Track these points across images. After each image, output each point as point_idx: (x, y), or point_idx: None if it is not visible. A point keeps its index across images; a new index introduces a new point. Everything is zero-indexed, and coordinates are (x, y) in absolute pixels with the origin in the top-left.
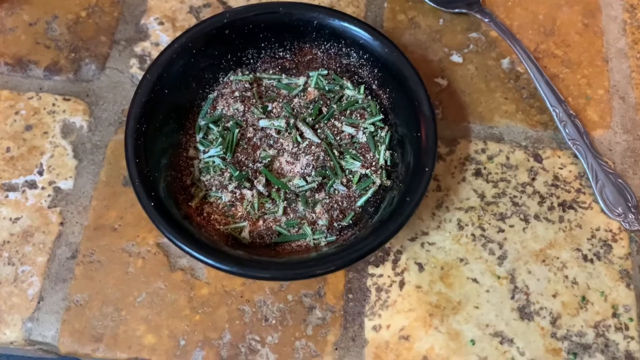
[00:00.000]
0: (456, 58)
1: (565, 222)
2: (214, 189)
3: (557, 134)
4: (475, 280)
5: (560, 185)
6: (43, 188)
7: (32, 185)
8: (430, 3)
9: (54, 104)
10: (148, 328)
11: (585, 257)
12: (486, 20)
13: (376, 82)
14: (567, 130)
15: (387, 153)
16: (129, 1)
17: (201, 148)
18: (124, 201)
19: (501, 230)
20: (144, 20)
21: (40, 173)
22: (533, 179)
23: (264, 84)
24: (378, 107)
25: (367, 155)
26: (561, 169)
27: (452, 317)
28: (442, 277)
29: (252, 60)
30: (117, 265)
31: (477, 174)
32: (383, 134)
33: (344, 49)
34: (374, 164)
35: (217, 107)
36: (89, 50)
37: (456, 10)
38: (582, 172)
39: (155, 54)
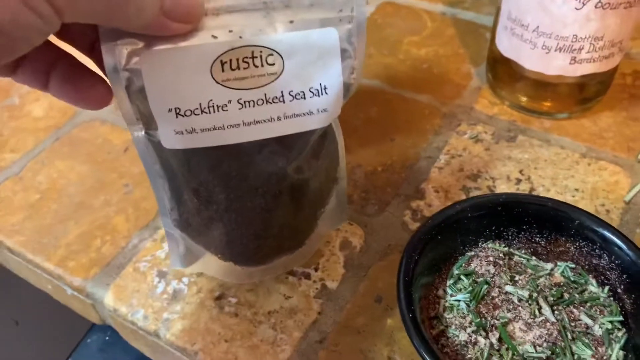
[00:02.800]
0: None
1: None
2: (453, 327)
3: None
4: None
5: None
6: (314, 281)
7: (307, 276)
8: None
9: (341, 226)
10: None
11: None
12: None
13: (622, 287)
14: None
15: (621, 353)
16: (415, 169)
17: (449, 292)
18: (373, 314)
19: None
20: (423, 185)
21: (316, 269)
22: None
23: (514, 259)
24: (619, 309)
25: (599, 348)
26: None
27: None
28: None
29: (510, 237)
30: None
31: None
32: (619, 334)
33: (597, 251)
34: (604, 358)
35: (471, 264)
36: (376, 195)
37: None
38: None
39: (426, 211)
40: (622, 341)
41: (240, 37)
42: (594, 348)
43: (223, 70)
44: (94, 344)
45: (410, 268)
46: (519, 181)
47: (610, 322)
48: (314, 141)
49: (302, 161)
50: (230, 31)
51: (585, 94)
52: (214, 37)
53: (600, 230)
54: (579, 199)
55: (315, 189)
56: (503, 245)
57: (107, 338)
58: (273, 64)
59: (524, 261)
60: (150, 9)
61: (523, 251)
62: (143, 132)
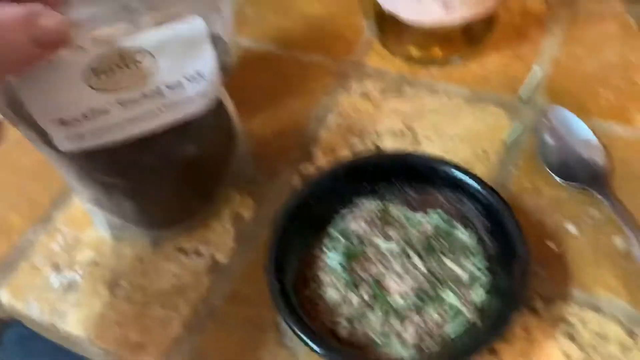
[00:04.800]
0: (571, 228)
1: None
2: (327, 286)
3: None
4: None
5: None
6: (205, 257)
7: (198, 253)
8: (555, 177)
9: (231, 197)
10: None
11: None
12: (605, 201)
13: (486, 232)
14: None
15: (485, 295)
16: (305, 132)
17: (326, 251)
18: (261, 282)
19: None
20: (312, 148)
21: (207, 245)
22: (623, 354)
23: (389, 212)
24: (483, 252)
25: (464, 292)
26: None
27: None
28: None
29: (383, 191)
30: (240, 331)
31: (567, 334)
32: (483, 277)
33: (461, 198)
34: (470, 302)
35: (347, 222)
36: (267, 163)
37: (578, 186)
38: None
39: (314, 174)
40: (487, 285)
41: (108, 43)
42: (460, 293)
43: (97, 77)
44: (13, 336)
45: (281, 236)
46: (403, 134)
47: (476, 266)
48: (203, 118)
49: (194, 138)
50: (96, 39)
51: (471, 35)
52: (81, 47)
53: (464, 178)
54: (460, 145)
55: (212, 159)
56: (377, 200)
57: (25, 331)
58: (143, 63)
59: (398, 213)
60: (18, 43)
61: (396, 203)
62: (41, 140)
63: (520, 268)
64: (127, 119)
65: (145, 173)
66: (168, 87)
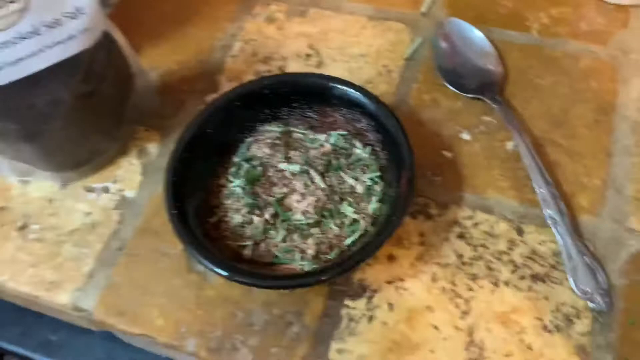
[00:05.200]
0: (465, 136)
1: (533, 291)
2: (231, 211)
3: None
4: (436, 327)
5: (536, 259)
6: (113, 193)
7: (106, 190)
8: (451, 88)
9: (137, 132)
10: (161, 313)
11: (545, 327)
12: (495, 107)
13: (379, 145)
14: (548, 210)
15: (378, 204)
16: (210, 61)
17: (231, 179)
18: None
19: (470, 289)
20: (217, 77)
21: (114, 182)
22: (511, 249)
23: (293, 136)
24: (377, 165)
25: (361, 203)
26: (540, 244)
27: (409, 356)
28: (407, 319)
29: (285, 116)
30: (150, 261)
31: (460, 236)
32: (377, 188)
33: (357, 115)
34: (365, 211)
35: (251, 149)
36: (172, 95)
37: (473, 95)
38: (559, 251)
39: None
40: (380, 194)
41: None
42: (355, 205)
43: None
44: None
45: (178, 168)
46: (308, 57)
47: (371, 178)
48: (92, 55)
49: (86, 77)
50: None
51: None
52: None
53: (355, 95)
54: (364, 64)
55: (109, 96)
56: (280, 125)
57: None
58: (14, 2)
59: (302, 136)
60: None
61: (300, 127)
62: None
63: (406, 176)
64: (7, 62)
65: (39, 116)
66: (46, 25)
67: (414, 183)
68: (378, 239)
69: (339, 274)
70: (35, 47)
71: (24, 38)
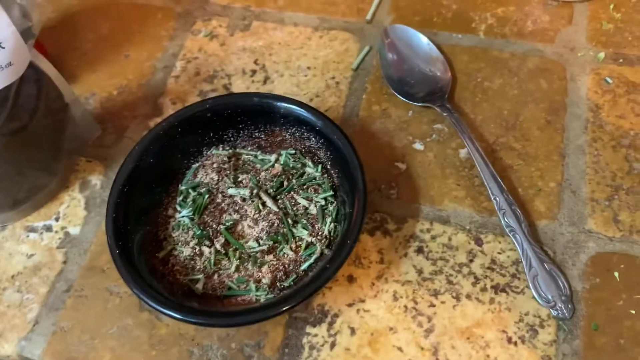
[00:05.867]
0: (418, 146)
1: (495, 303)
2: (179, 244)
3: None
4: (400, 349)
5: (496, 269)
6: (56, 232)
7: (49, 229)
8: (401, 97)
9: (78, 164)
10: (113, 357)
11: (509, 339)
12: (445, 115)
13: (329, 163)
14: (505, 219)
15: (332, 225)
16: (152, 84)
17: (178, 209)
18: None
19: (432, 305)
20: (160, 100)
21: (57, 219)
22: (471, 261)
23: (242, 159)
24: (330, 184)
25: (316, 225)
26: (500, 253)
27: None
28: (370, 343)
29: (232, 138)
30: (100, 301)
31: (419, 251)
32: (331, 208)
33: (305, 133)
34: (320, 233)
35: (198, 176)
36: (113, 122)
37: (422, 104)
38: (519, 259)
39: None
40: (334, 214)
41: None
42: (310, 227)
43: None
44: None
45: (119, 203)
46: (254, 72)
47: (324, 198)
48: (19, 89)
49: (13, 113)
50: None
51: None
52: None
53: (301, 112)
54: (311, 77)
55: (42, 129)
56: (227, 148)
57: None
58: None
59: (251, 158)
60: None
61: (249, 149)
62: None
63: (358, 196)
64: None
65: None
66: None
67: (366, 202)
68: (334, 263)
69: (296, 304)
70: None
71: None
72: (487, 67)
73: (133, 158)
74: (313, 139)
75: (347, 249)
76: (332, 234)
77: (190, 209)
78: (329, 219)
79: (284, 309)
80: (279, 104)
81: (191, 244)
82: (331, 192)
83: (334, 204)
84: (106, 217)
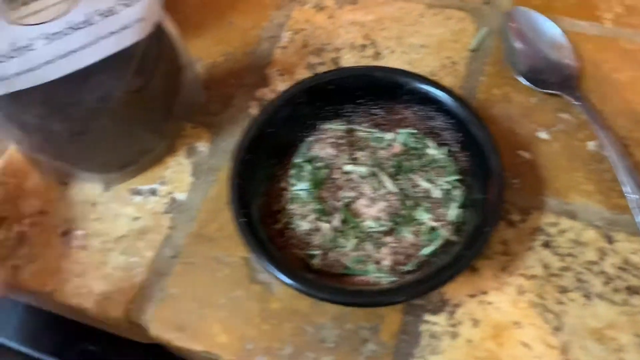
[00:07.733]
0: (543, 135)
1: (629, 305)
2: (295, 217)
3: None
4: (526, 345)
5: (630, 269)
6: (162, 196)
7: (154, 192)
8: (525, 82)
9: (184, 130)
10: (223, 328)
11: None
12: (576, 103)
13: (458, 146)
14: None
15: (459, 211)
16: (258, 53)
17: (292, 181)
18: (225, 217)
19: (561, 303)
20: (267, 70)
21: (163, 184)
22: (601, 259)
23: (357, 135)
24: (456, 167)
25: (438, 210)
26: (633, 254)
27: None
28: (494, 336)
29: (348, 114)
30: (208, 270)
31: (546, 245)
32: (457, 192)
33: (430, 112)
34: (444, 219)
35: (313, 149)
36: (219, 90)
37: (550, 91)
38: None
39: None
40: (460, 199)
41: None
42: (432, 211)
43: (13, 8)
44: None
45: (242, 171)
46: (363, 47)
47: (449, 182)
48: (144, 47)
49: (137, 71)
50: None
51: None
52: None
53: (431, 90)
54: (425, 55)
55: (159, 91)
56: (343, 123)
57: None
58: None
59: (366, 135)
60: None
61: (364, 125)
62: None
63: (495, 182)
64: (57, 55)
65: (86, 114)
66: (100, 14)
67: (503, 191)
68: (469, 252)
69: (437, 286)
70: (88, 38)
71: (76, 28)
72: (615, 58)
73: (254, 127)
74: (440, 118)
75: (483, 238)
76: (458, 220)
77: (308, 182)
78: (454, 204)
79: (415, 295)
80: (404, 79)
81: (309, 218)
82: (457, 176)
83: (460, 189)
84: (231, 184)
